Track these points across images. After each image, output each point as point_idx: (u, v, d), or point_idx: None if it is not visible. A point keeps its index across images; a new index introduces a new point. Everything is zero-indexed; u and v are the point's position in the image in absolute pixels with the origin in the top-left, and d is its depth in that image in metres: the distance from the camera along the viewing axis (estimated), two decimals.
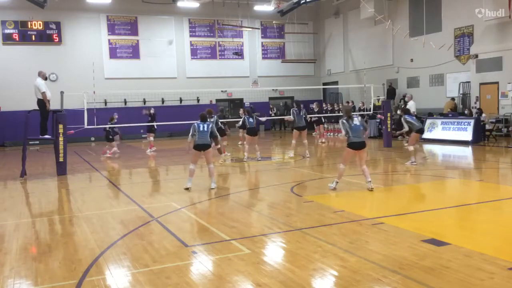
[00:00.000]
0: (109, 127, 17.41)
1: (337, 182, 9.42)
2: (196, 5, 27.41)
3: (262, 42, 31.45)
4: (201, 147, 9.93)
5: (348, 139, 9.20)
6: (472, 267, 4.90)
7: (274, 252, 5.94)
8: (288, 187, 10.03)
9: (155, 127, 19.20)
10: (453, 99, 21.91)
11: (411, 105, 18.03)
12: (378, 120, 21.38)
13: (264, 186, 10.82)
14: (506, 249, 5.58)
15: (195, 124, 10.04)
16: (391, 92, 24.98)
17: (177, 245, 6.14)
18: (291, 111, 15.23)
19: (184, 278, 4.95)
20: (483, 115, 18.79)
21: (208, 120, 10.45)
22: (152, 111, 19.15)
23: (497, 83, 19.75)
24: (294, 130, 15.17)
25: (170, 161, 16.23)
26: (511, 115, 19.14)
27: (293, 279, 4.78)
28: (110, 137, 17.67)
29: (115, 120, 17.73)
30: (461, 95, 22.21)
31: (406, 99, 18.65)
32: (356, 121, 9.30)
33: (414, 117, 13.21)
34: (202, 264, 5.39)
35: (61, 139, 13.12)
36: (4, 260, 5.77)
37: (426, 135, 19.30)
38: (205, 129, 9.97)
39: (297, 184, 10.42)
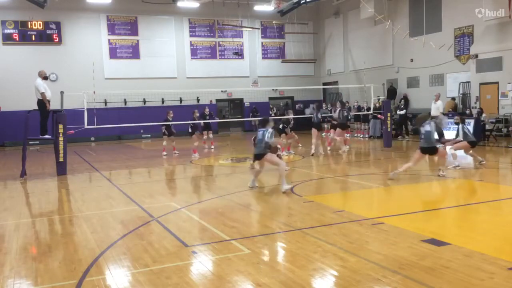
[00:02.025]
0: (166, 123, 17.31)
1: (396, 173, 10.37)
2: (196, 5, 27.39)
3: (262, 42, 31.45)
4: (255, 157, 9.92)
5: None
6: (472, 267, 4.90)
7: (274, 252, 5.94)
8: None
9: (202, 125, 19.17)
10: (453, 99, 21.90)
11: (439, 105, 17.82)
12: (379, 120, 21.36)
13: (264, 186, 10.82)
14: (506, 249, 5.58)
15: (258, 131, 9.96)
16: (391, 92, 24.98)
17: (177, 245, 6.14)
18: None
19: (184, 278, 4.95)
20: (483, 115, 18.77)
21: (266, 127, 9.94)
22: (207, 110, 19.45)
23: (497, 83, 19.73)
24: (338, 128, 16.50)
25: (171, 160, 16.22)
26: (511, 115, 19.14)
27: (293, 279, 4.78)
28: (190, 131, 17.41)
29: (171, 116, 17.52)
30: (461, 95, 22.20)
31: (434, 97, 18.35)
32: (428, 127, 10.29)
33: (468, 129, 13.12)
34: (202, 264, 5.39)
35: (61, 139, 13.12)
36: (4, 260, 5.77)
37: None
38: (260, 137, 9.75)
39: (297, 184, 10.41)
